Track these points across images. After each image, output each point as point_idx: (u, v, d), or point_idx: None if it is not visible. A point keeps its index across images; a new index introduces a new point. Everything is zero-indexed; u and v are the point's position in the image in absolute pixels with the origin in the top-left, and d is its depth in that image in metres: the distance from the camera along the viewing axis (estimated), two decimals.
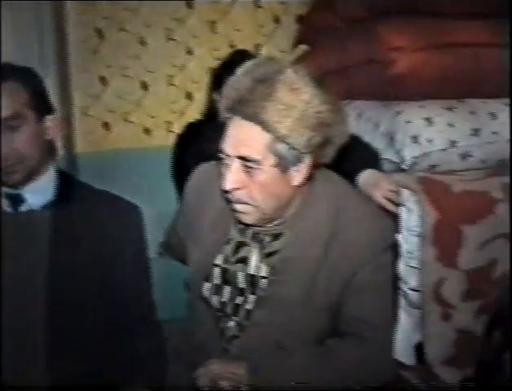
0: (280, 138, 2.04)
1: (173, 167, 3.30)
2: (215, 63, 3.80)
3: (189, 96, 3.90)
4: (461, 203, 2.92)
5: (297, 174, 2.12)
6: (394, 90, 3.13)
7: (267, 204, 2.13)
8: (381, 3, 3.29)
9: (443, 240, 2.87)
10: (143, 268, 2.35)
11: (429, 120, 3.00)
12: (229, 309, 2.27)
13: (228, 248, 2.29)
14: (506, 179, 3.01)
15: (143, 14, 3.72)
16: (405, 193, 2.92)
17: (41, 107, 2.18)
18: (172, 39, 3.80)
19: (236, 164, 2.08)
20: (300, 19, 3.96)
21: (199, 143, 3.17)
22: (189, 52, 3.85)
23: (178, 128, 3.81)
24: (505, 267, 2.96)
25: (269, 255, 2.24)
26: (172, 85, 3.85)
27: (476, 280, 2.94)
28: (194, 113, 3.86)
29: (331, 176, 2.29)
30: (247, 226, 2.24)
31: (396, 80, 3.09)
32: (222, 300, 2.28)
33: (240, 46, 3.87)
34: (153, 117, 3.85)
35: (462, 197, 2.93)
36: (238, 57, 3.12)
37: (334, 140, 2.13)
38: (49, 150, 2.23)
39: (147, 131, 3.85)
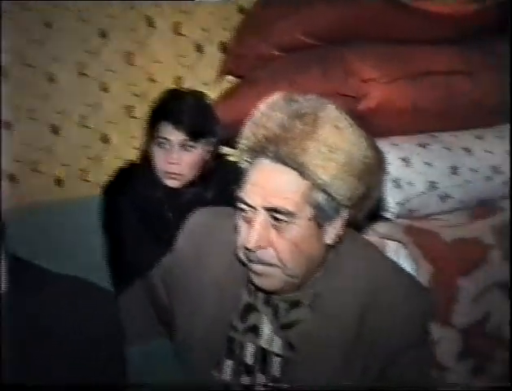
0: (320, 186, 1.66)
1: (104, 217, 2.86)
2: (133, 101, 3.41)
3: (105, 139, 3.40)
4: (454, 253, 2.62)
5: (332, 231, 1.74)
6: (364, 127, 2.78)
7: (297, 265, 1.73)
8: (332, 29, 2.94)
9: (439, 297, 2.55)
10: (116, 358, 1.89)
11: (406, 161, 2.67)
12: None
13: (235, 312, 1.86)
14: (494, 222, 2.75)
15: (51, 46, 3.19)
16: (392, 246, 2.58)
17: None
18: (84, 74, 3.29)
19: (262, 218, 1.69)
20: (224, 48, 3.54)
21: (135, 189, 2.81)
22: (104, 89, 3.35)
23: (94, 176, 3.36)
24: (497, 319, 2.69)
25: (285, 327, 1.82)
26: (85, 126, 3.33)
27: (472, 337, 2.65)
28: (112, 158, 3.38)
29: (355, 235, 1.92)
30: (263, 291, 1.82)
31: (366, 115, 2.73)
32: (224, 377, 1.86)
33: (160, 79, 3.43)
34: (66, 165, 3.32)
35: (455, 246, 2.63)
36: (172, 97, 2.82)
37: (373, 192, 1.78)
38: None
39: (58, 181, 3.32)
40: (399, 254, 2.57)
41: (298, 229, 1.70)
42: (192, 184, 2.79)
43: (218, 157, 2.91)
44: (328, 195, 1.68)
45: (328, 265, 1.81)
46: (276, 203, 1.67)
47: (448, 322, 2.59)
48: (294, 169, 1.67)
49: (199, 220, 2.00)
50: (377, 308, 1.79)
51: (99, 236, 2.90)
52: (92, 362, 1.80)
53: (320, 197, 1.68)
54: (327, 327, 1.79)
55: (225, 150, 2.97)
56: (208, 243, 1.92)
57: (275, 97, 1.75)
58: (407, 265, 2.54)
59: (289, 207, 1.67)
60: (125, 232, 2.81)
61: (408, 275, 1.96)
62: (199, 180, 2.80)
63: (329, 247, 1.79)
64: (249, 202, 1.70)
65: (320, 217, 1.70)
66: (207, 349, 1.87)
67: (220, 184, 2.80)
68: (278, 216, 1.68)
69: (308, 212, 1.69)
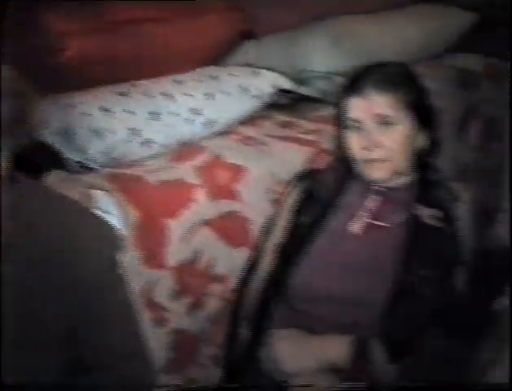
0: None
1: None
2: None
3: None
4: (159, 195, 2.69)
5: None
6: (63, 81, 2.77)
7: None
8: None
9: (147, 240, 2.62)
10: None
11: (106, 110, 2.70)
12: None
13: None
14: (197, 162, 2.84)
15: None
16: (98, 195, 2.59)
17: None
18: None
19: None
20: None
21: None
22: None
23: None
24: (209, 257, 2.79)
25: None
26: None
27: (185, 275, 2.73)
28: None
29: (42, 186, 2.14)
30: None
31: (65, 68, 2.72)
32: None
33: None
34: None
35: (160, 189, 2.70)
36: None
37: (25, 117, 1.81)
38: None
39: None
40: (106, 202, 2.59)
41: None
42: None
43: None
44: None
45: (15, 214, 1.82)
46: None
47: (160, 263, 2.65)
48: None
49: None
50: (69, 252, 1.85)
51: None
52: None
53: None
54: (25, 277, 1.81)
55: None
56: None
57: None
58: (114, 212, 2.58)
59: None
60: None
61: (97, 219, 2.04)
62: None
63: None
64: None
65: None
66: None
67: None
68: None
69: None
